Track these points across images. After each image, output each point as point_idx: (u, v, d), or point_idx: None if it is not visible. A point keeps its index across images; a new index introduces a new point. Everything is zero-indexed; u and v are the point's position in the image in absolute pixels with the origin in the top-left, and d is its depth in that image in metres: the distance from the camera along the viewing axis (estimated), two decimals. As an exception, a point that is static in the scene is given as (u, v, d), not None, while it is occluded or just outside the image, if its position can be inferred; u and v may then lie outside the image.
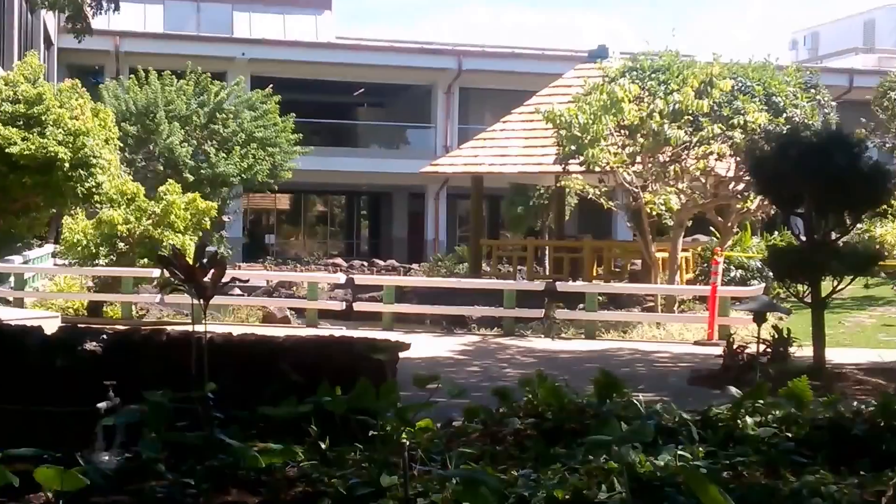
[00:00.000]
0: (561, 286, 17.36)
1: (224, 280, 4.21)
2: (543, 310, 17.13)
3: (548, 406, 4.60)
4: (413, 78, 38.72)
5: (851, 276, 11.24)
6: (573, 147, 17.26)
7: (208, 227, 19.70)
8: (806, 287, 10.99)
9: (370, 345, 4.87)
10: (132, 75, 29.36)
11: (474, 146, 22.93)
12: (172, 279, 4.16)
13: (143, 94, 27.93)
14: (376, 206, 46.84)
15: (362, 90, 41.48)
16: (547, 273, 24.67)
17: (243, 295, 20.38)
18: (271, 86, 30.27)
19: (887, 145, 26.37)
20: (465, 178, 24.55)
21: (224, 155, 27.89)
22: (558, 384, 4.71)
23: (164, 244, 18.00)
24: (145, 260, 18.25)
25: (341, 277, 19.62)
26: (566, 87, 21.83)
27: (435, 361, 12.28)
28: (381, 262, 36.28)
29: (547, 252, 25.55)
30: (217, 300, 17.16)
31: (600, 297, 17.62)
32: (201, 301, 4.08)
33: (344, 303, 18.66)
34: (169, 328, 5.76)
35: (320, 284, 20.11)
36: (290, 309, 18.50)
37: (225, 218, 28.69)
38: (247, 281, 4.85)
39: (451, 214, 41.45)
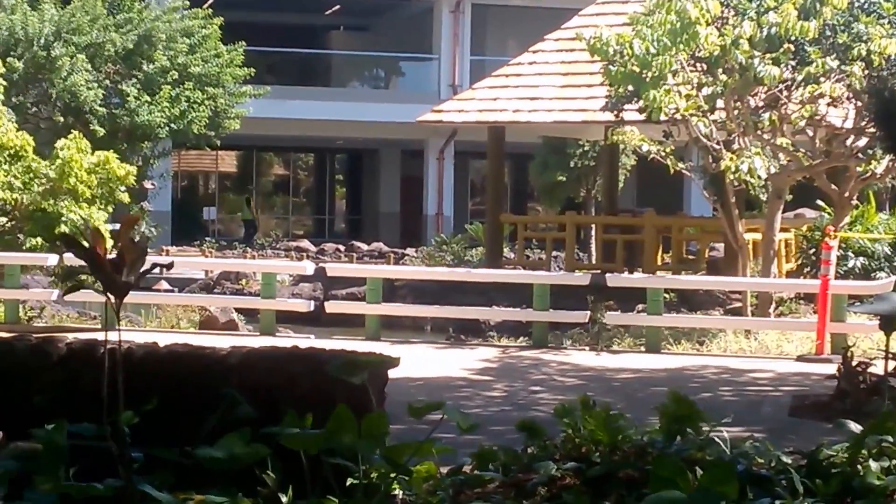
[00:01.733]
0: (613, 279, 17.34)
1: (144, 268, 4.20)
2: (588, 312, 17.12)
3: (595, 445, 4.60)
4: (408, -9, 38.68)
5: None
6: (629, 88, 17.19)
7: (126, 200, 19.69)
8: (952, 281, 10.96)
9: (349, 360, 4.86)
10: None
11: (493, 86, 22.90)
12: (77, 268, 4.17)
13: (36, 17, 27.93)
14: (357, 168, 46.87)
15: (337, 7, 41.44)
16: (593, 261, 24.63)
17: (173, 291, 20.40)
18: (210, 2, 30.24)
19: None
20: (480, 130, 24.49)
21: (148, 98, 27.88)
22: (610, 414, 4.71)
23: (64, 219, 18.00)
24: (37, 241, 18.25)
25: (308, 267, 19.63)
26: (620, 4, 21.79)
27: (438, 383, 12.29)
28: (364, 246, 36.33)
29: (593, 232, 25.52)
30: (137, 297, 17.16)
31: (667, 295, 17.60)
32: (114, 299, 4.08)
33: (312, 302, 18.67)
34: (70, 336, 5.75)
35: (279, 277, 20.07)
36: (238, 310, 18.51)
37: (148, 184, 28.71)
38: (170, 265, 4.84)
39: (460, 180, 41.45)
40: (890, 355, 10.45)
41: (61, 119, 27.13)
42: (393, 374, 4.99)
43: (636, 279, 18.31)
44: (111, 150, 20.10)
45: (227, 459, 4.00)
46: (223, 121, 29.42)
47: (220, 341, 7.51)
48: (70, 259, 16.07)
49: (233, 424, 4.50)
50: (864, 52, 16.64)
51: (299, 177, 49.23)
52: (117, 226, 4.90)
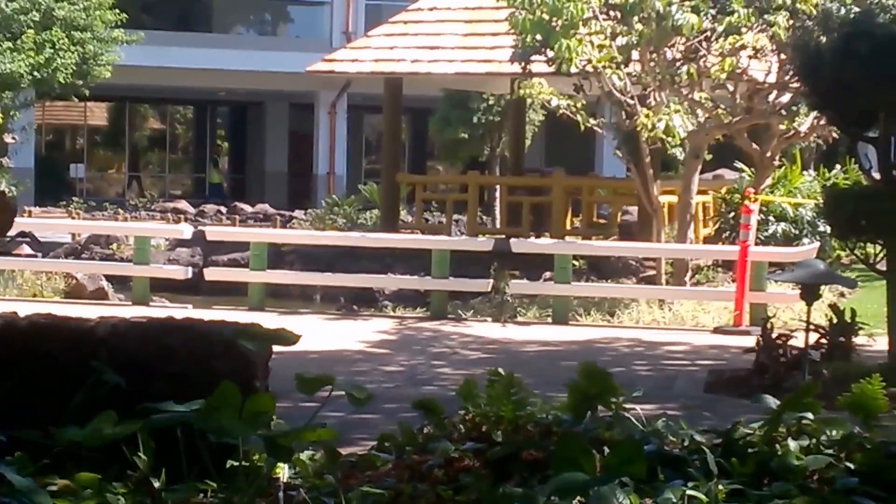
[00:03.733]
0: (518, 245, 17.41)
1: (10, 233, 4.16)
2: (491, 280, 17.18)
3: (496, 423, 4.63)
4: (297, -72, 38.41)
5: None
6: (538, 37, 17.22)
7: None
8: (880, 248, 11.15)
9: (235, 330, 4.85)
10: None
11: (390, 33, 22.83)
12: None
13: None
14: (241, 122, 46.53)
15: (219, -55, 41.02)
16: (497, 225, 24.70)
17: (36, 256, 20.14)
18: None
19: None
20: (375, 82, 24.42)
21: (9, 44, 27.44)
22: (513, 389, 4.74)
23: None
24: None
25: (186, 230, 19.49)
26: (528, -54, 21.80)
27: (331, 357, 12.27)
28: (248, 208, 36.13)
29: (498, 194, 25.59)
30: (-4, 264, 16.91)
31: (576, 262, 17.71)
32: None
33: (190, 268, 18.55)
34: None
35: (154, 241, 19.90)
36: (108, 278, 18.34)
37: (8, 139, 28.29)
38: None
39: (353, 137, 41.34)
40: (811, 327, 10.63)
41: None
42: (280, 347, 4.98)
43: (543, 245, 18.39)
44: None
45: (88, 440, 3.97)
46: (92, 69, 29.03)
47: (88, 311, 7.44)
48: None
49: (103, 402, 4.47)
50: (788, 1, 16.82)
51: (177, 131, 48.76)
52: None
